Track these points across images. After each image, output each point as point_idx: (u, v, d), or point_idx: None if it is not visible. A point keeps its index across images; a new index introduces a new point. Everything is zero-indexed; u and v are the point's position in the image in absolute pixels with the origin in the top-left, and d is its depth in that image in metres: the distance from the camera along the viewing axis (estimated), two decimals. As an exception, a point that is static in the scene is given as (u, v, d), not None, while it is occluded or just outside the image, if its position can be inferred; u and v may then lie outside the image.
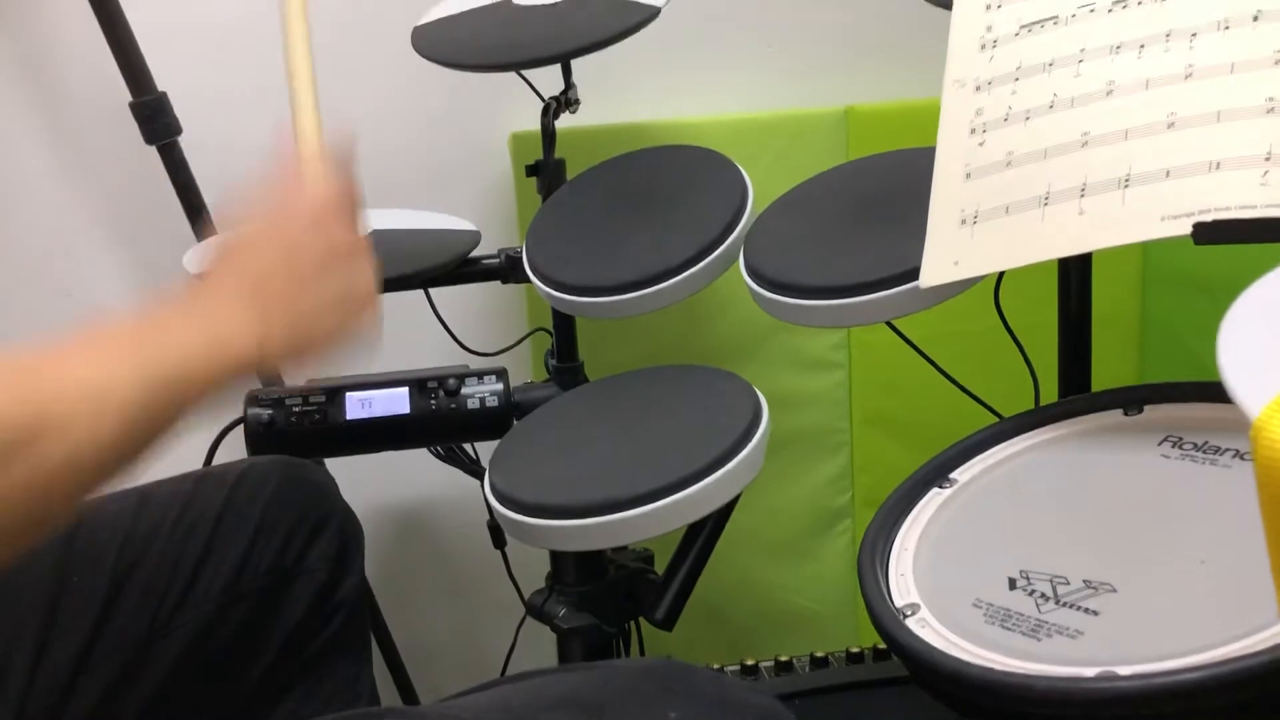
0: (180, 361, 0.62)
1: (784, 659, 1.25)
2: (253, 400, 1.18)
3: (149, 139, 1.32)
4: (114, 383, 0.59)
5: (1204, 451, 0.75)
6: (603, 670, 0.75)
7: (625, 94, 1.45)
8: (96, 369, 0.59)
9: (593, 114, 1.30)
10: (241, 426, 1.18)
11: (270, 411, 1.16)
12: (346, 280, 0.70)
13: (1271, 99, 0.71)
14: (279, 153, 0.73)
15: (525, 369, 1.44)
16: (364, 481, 1.40)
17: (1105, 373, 1.02)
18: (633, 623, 1.18)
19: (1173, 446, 0.76)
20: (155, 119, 1.31)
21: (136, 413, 0.60)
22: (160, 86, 1.32)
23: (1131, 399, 0.82)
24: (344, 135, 0.75)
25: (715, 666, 1.27)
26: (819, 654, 1.26)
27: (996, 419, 0.86)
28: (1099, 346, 1.01)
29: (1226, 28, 0.75)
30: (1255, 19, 0.74)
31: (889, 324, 1.00)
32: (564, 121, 1.25)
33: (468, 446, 1.28)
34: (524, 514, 0.91)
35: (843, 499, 1.55)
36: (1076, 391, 0.98)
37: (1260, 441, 0.37)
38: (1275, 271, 0.49)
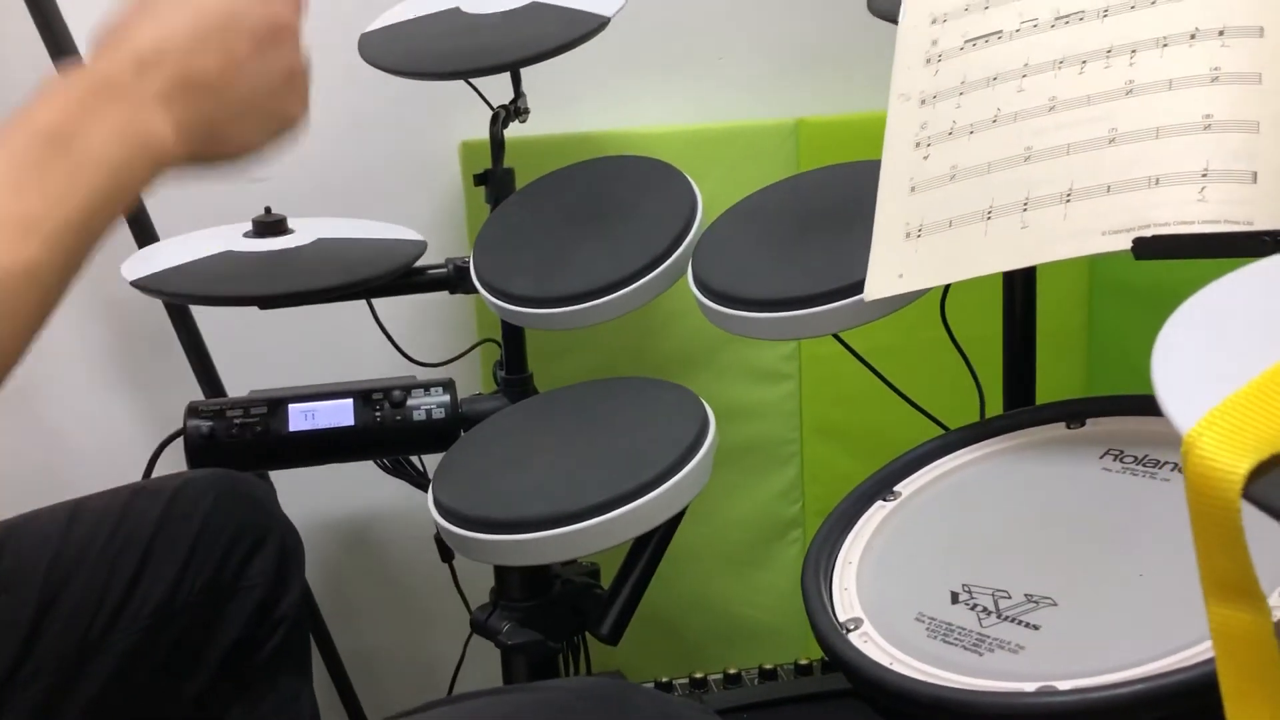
0: (96, 184, 0.55)
1: (733, 672, 1.25)
2: (193, 412, 1.16)
3: (89, 145, 1.29)
4: (20, 255, 0.52)
5: (1144, 465, 0.75)
6: (541, 692, 0.74)
7: (576, 104, 1.44)
8: (7, 218, 0.53)
9: (543, 123, 1.29)
10: (182, 439, 1.16)
11: (211, 423, 1.14)
12: (280, 95, 0.63)
13: (1208, 116, 0.72)
14: None
15: (475, 380, 1.43)
16: (309, 493, 1.38)
17: (1052, 385, 1.02)
18: (581, 637, 1.17)
19: (1114, 460, 0.77)
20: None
21: (49, 270, 0.54)
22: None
23: (1074, 412, 0.82)
24: None
25: (664, 680, 1.26)
26: (768, 666, 1.25)
27: (943, 430, 0.86)
28: (1046, 359, 1.01)
29: (1165, 45, 0.76)
30: (1192, 37, 0.74)
31: (836, 336, 1.00)
32: (514, 131, 1.24)
33: (415, 458, 1.26)
34: (467, 528, 0.90)
35: (793, 509, 1.55)
36: (1021, 403, 0.98)
37: (1190, 458, 0.37)
38: (1211, 286, 0.49)
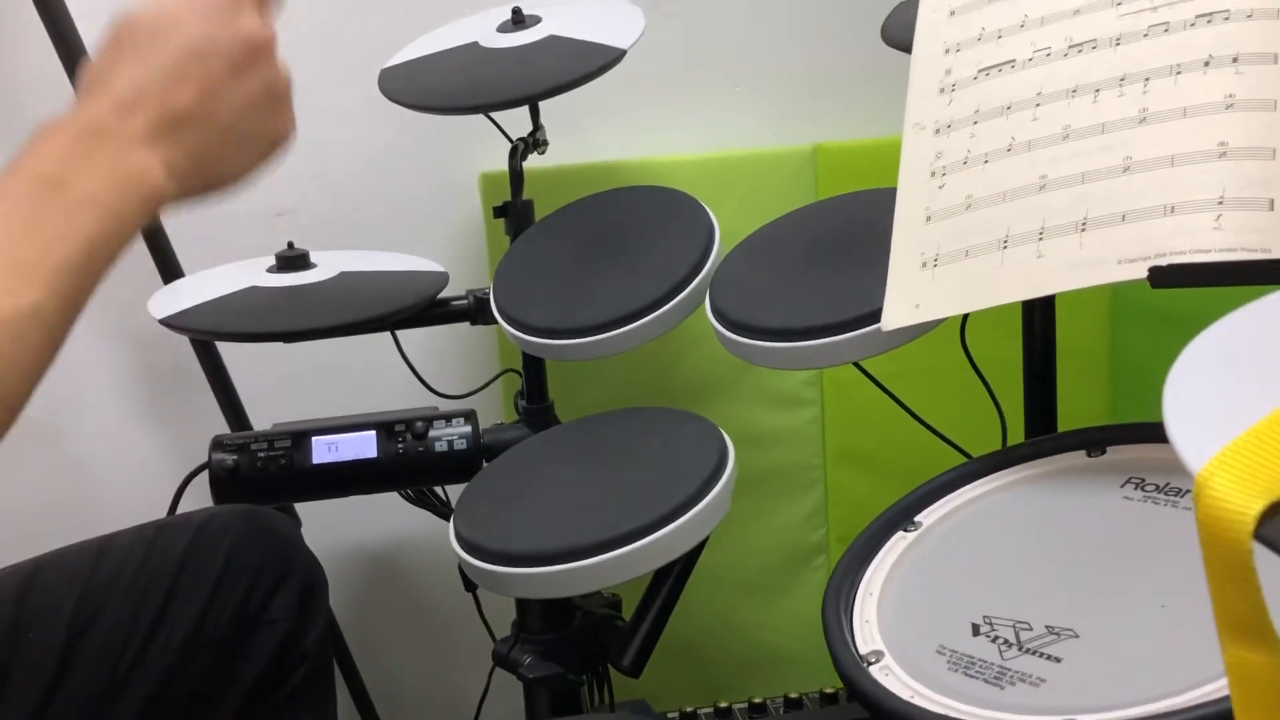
0: (91, 226, 0.56)
1: (758, 700, 1.24)
2: (217, 446, 1.17)
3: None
4: (22, 298, 0.54)
5: (1165, 493, 0.75)
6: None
7: (593, 134, 1.45)
8: (6, 263, 0.54)
9: (561, 154, 1.30)
10: (206, 473, 1.17)
11: (235, 457, 1.15)
12: (264, 115, 0.63)
13: (1224, 143, 0.72)
14: None
15: (496, 409, 1.44)
16: (333, 523, 1.39)
17: (1076, 408, 1.02)
18: (604, 667, 1.17)
19: (1135, 488, 0.76)
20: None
21: (52, 310, 0.55)
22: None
23: (1094, 440, 0.82)
24: None
25: (689, 710, 1.26)
26: (793, 695, 1.25)
27: (965, 456, 0.86)
28: (1069, 382, 1.01)
29: (1179, 73, 0.76)
30: (1206, 65, 0.74)
31: (856, 364, 1.00)
32: (532, 161, 1.25)
33: (438, 488, 1.27)
34: (488, 561, 0.91)
35: (817, 535, 1.54)
36: (1042, 428, 0.98)
37: (1201, 499, 0.37)
38: (1223, 321, 0.49)
